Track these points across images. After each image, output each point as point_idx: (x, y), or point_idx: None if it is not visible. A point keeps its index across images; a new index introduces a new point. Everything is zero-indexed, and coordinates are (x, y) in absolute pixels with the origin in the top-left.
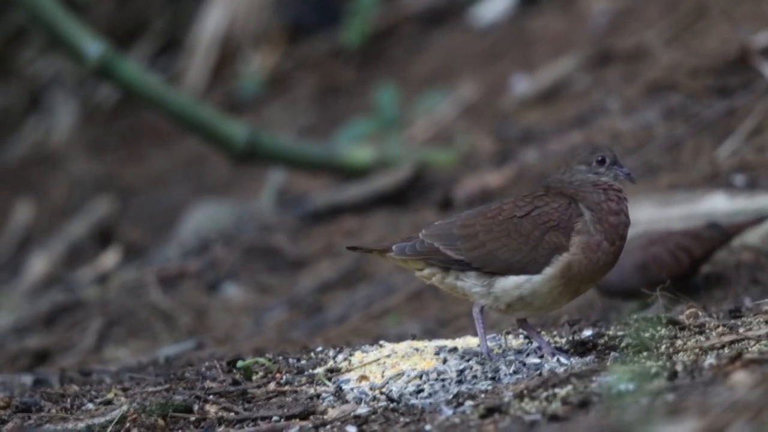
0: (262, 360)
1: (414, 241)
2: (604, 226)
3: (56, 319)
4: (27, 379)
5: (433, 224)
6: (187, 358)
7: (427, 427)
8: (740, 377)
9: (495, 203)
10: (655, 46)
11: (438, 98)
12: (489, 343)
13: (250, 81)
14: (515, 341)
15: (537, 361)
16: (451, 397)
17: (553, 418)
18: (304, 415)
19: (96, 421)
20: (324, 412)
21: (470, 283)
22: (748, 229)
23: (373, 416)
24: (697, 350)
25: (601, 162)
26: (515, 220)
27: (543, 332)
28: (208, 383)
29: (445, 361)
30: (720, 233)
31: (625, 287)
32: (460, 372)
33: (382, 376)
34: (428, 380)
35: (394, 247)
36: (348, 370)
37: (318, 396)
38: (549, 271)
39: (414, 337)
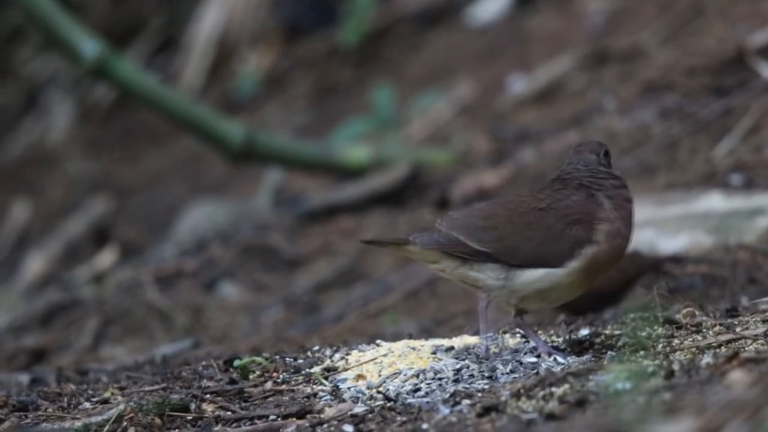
0: (258, 359)
1: (434, 233)
2: (621, 213)
3: (53, 318)
4: (24, 378)
5: (451, 216)
6: (183, 357)
7: (424, 425)
8: (737, 376)
9: (510, 195)
10: (651, 45)
11: (434, 98)
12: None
13: (247, 80)
14: (512, 340)
15: (534, 360)
16: (448, 396)
17: (550, 416)
18: (300, 414)
19: (93, 420)
20: (321, 411)
21: (485, 275)
22: (665, 264)
23: (370, 415)
24: (693, 349)
25: (606, 155)
26: (537, 212)
27: (540, 331)
28: (204, 382)
29: (441, 360)
30: (643, 261)
31: (612, 295)
32: (457, 371)
33: (379, 375)
34: (425, 379)
35: (417, 240)
36: (345, 369)
37: (315, 395)
38: (573, 264)
39: (411, 336)
